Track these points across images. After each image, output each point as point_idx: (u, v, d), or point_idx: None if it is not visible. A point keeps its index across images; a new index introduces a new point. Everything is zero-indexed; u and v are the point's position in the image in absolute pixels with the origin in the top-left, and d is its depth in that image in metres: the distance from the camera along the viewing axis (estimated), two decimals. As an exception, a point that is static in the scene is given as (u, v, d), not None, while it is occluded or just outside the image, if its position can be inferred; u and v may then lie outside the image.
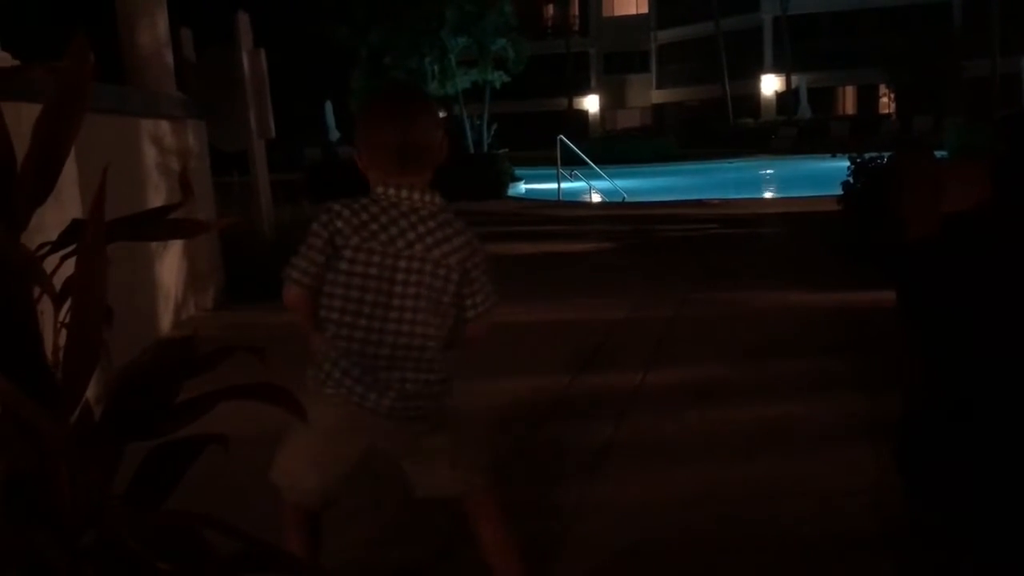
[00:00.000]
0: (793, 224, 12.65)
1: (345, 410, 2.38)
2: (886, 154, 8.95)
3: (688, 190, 21.27)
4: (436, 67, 21.78)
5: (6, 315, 1.40)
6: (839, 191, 9.29)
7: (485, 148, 22.68)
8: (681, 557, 3.08)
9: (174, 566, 1.33)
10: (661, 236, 12.37)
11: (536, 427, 4.35)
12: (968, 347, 2.37)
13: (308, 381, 2.44)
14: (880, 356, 4.98)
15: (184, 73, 7.86)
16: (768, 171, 28.99)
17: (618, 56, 53.81)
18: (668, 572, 3.02)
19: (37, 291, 1.52)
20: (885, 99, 44.18)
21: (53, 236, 1.67)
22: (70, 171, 4.06)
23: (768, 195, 22.47)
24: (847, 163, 9.36)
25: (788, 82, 43.14)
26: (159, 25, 7.27)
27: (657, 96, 53.58)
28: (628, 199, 20.26)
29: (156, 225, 1.98)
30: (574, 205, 19.48)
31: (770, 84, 46.57)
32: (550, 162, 22.06)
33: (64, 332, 1.43)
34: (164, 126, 6.95)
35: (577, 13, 54.63)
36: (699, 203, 17.04)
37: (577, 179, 22.30)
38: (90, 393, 1.47)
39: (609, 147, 33.81)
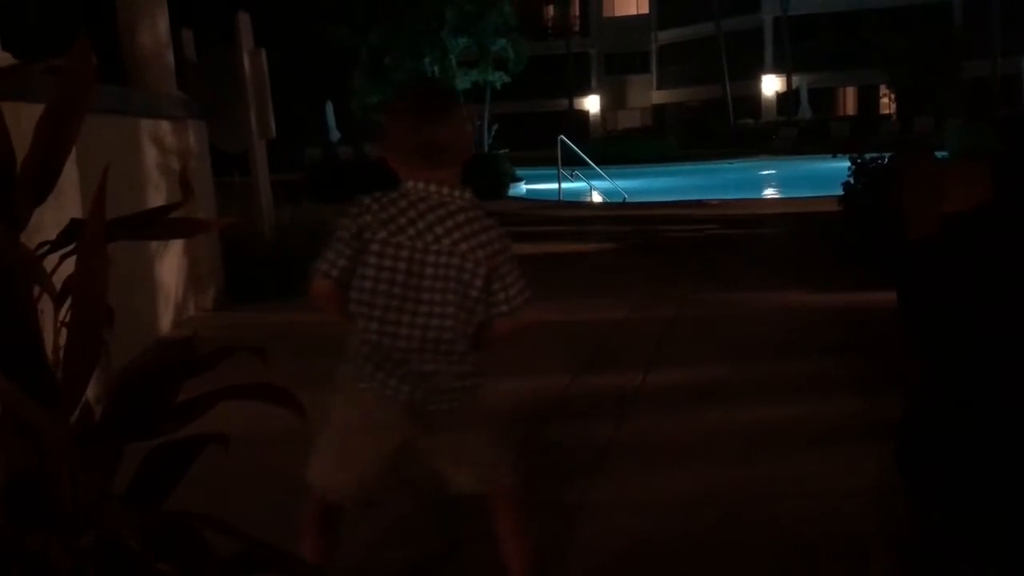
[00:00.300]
0: (793, 224, 12.65)
1: (379, 405, 2.38)
2: (886, 155, 8.95)
3: (688, 190, 21.25)
4: (436, 67, 21.79)
5: (6, 315, 1.40)
6: (839, 192, 9.29)
7: (486, 148, 22.69)
8: (681, 557, 3.08)
9: (174, 566, 1.33)
10: (662, 236, 12.38)
11: (536, 427, 4.34)
12: (968, 347, 2.37)
13: (340, 378, 2.45)
14: (880, 356, 4.98)
15: (185, 73, 7.86)
16: (768, 171, 28.98)
17: (618, 56, 53.81)
18: (668, 572, 3.02)
19: (37, 290, 1.52)
20: (885, 99, 44.16)
21: (53, 236, 1.67)
22: (70, 171, 4.06)
23: (768, 195, 22.45)
24: (847, 163, 9.36)
25: (788, 82, 43.16)
26: (160, 25, 7.27)
27: (658, 96, 53.59)
28: (629, 199, 20.25)
29: (156, 225, 1.98)
30: (575, 205, 19.49)
31: (770, 84, 46.57)
32: (551, 162, 22.06)
33: (64, 332, 1.44)
34: (165, 126, 6.95)
35: (577, 13, 54.62)
36: (699, 203, 17.04)
37: (578, 179, 22.30)
38: (90, 393, 1.47)
39: (609, 147, 33.81)
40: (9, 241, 1.46)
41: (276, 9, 22.40)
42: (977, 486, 2.33)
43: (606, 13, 54.70)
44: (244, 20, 8.05)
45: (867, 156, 9.22)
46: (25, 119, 1.72)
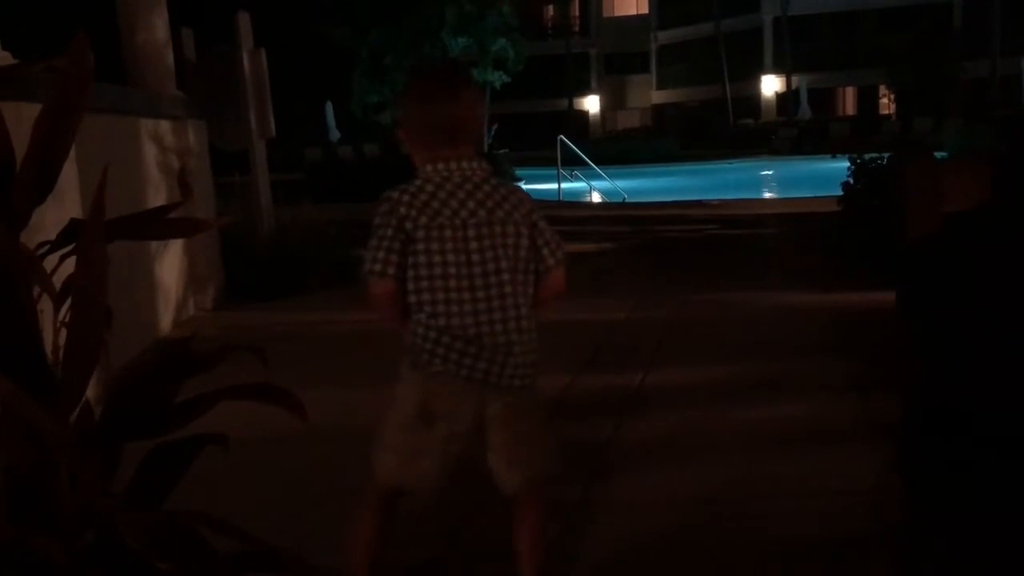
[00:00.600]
0: (793, 225, 12.64)
1: (454, 384, 2.38)
2: (886, 155, 8.95)
3: (688, 191, 21.26)
4: (436, 67, 21.76)
5: (6, 314, 1.40)
6: (839, 192, 9.29)
7: (485, 148, 22.69)
8: (681, 557, 3.08)
9: (173, 566, 1.33)
10: (661, 236, 12.38)
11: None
12: (968, 347, 2.37)
13: (405, 369, 2.45)
14: (880, 356, 4.97)
15: (185, 73, 7.86)
16: (768, 172, 28.98)
17: (618, 57, 53.81)
18: (668, 572, 3.02)
19: (37, 290, 1.52)
20: (885, 100, 44.17)
21: (53, 235, 1.67)
22: (70, 171, 4.06)
23: (768, 196, 22.45)
24: (847, 164, 9.35)
25: (788, 83, 43.16)
26: (160, 25, 7.27)
27: (657, 97, 53.59)
28: (628, 199, 20.26)
29: (155, 224, 1.98)
30: (574, 205, 19.48)
31: (770, 85, 46.57)
32: (550, 162, 22.07)
33: (64, 331, 1.43)
34: (164, 126, 6.95)
35: (577, 14, 54.62)
36: (699, 204, 17.05)
37: (577, 179, 22.31)
38: (90, 393, 1.47)
39: (609, 147, 33.81)
40: (9, 241, 1.45)
41: (276, 9, 22.39)
42: (977, 486, 2.33)
43: (606, 13, 54.71)
44: (244, 20, 8.05)
45: (867, 156, 9.22)
46: (25, 119, 1.72)
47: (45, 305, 1.54)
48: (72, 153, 1.64)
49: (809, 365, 5.33)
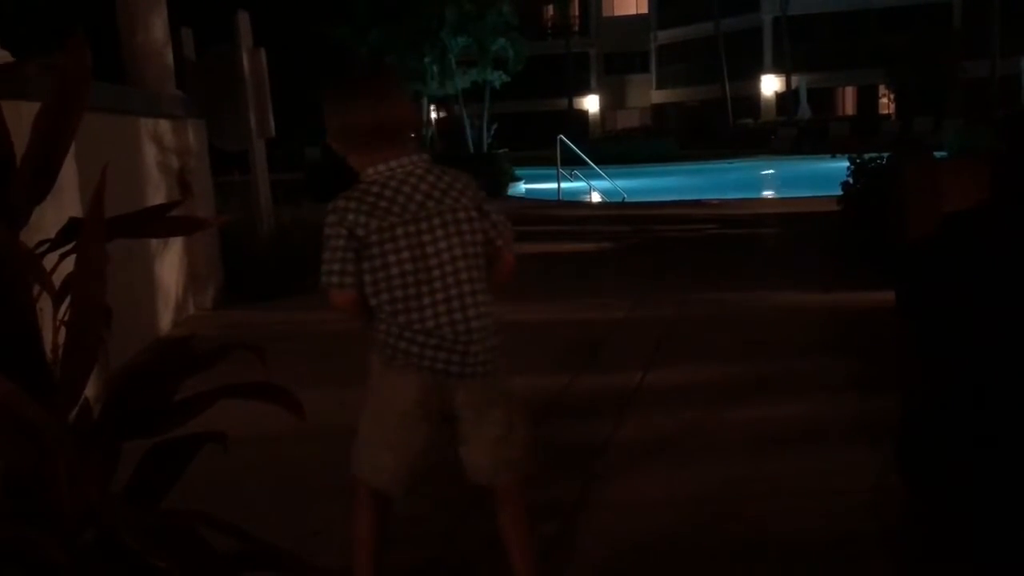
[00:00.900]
0: (793, 224, 12.64)
1: (419, 379, 2.40)
2: (886, 155, 8.96)
3: (688, 190, 21.25)
4: (436, 67, 21.77)
5: (5, 313, 1.40)
6: (839, 191, 9.29)
7: (485, 148, 22.68)
8: (681, 556, 3.08)
9: (172, 564, 1.33)
10: (661, 236, 12.37)
11: (535, 427, 4.33)
12: (967, 347, 2.37)
13: (374, 364, 2.47)
14: (879, 356, 4.97)
15: (184, 72, 7.86)
16: (768, 171, 28.99)
17: (618, 56, 53.79)
18: (668, 571, 3.02)
19: (36, 289, 1.52)
20: (885, 100, 44.16)
21: (52, 234, 1.67)
22: (69, 169, 4.06)
23: (768, 195, 22.46)
24: (847, 163, 9.36)
25: (788, 82, 43.14)
26: (159, 24, 7.27)
27: (657, 96, 53.57)
28: (628, 199, 20.25)
29: (155, 223, 1.98)
30: (574, 205, 19.48)
31: (770, 84, 46.56)
32: (550, 162, 22.06)
33: (63, 330, 1.43)
34: (164, 125, 6.95)
35: (577, 13, 54.59)
36: (698, 203, 17.04)
37: (577, 179, 22.29)
38: (89, 391, 1.47)
39: (609, 147, 33.81)
40: (8, 239, 1.45)
41: (276, 8, 22.39)
42: (977, 486, 2.33)
43: (605, 13, 54.69)
44: (243, 19, 8.05)
45: (866, 156, 9.22)
46: (25, 118, 1.72)
47: (44, 304, 1.54)
48: (71, 152, 1.64)
49: (808, 365, 5.33)
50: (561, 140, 21.15)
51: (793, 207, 14.82)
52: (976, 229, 2.42)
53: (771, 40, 46.22)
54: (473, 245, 2.43)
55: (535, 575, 2.60)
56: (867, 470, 3.57)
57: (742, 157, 33.01)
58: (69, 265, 1.50)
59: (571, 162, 22.13)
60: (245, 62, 7.96)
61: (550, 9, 54.13)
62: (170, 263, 6.81)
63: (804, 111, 40.60)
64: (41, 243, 1.66)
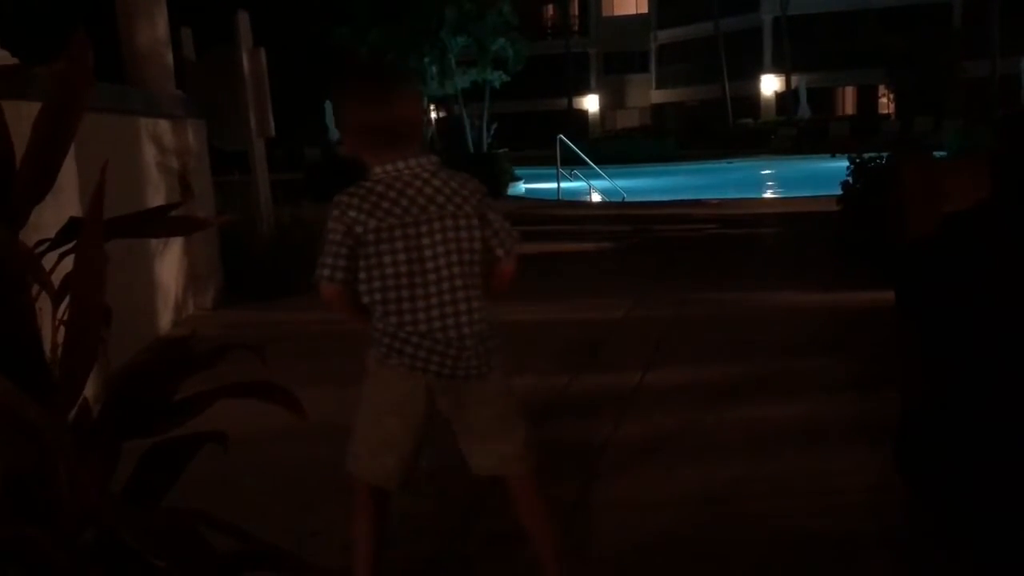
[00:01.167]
0: (792, 224, 12.64)
1: (411, 379, 2.42)
2: (885, 154, 8.96)
3: (687, 190, 21.25)
4: (436, 67, 21.77)
5: (4, 312, 1.40)
6: (838, 191, 9.29)
7: (485, 148, 22.68)
8: (680, 556, 3.08)
9: (172, 563, 1.33)
10: (660, 236, 12.37)
11: (535, 427, 4.33)
12: (967, 347, 2.37)
13: (369, 362, 2.49)
14: (879, 356, 4.98)
15: (184, 72, 7.86)
16: (767, 171, 28.98)
17: (618, 56, 53.81)
18: (668, 571, 3.02)
19: (36, 288, 1.52)
20: (885, 99, 44.16)
21: (52, 234, 1.67)
22: (69, 169, 4.06)
23: (767, 195, 22.44)
24: (846, 163, 9.36)
25: (788, 82, 43.14)
26: (159, 24, 7.27)
27: (657, 96, 53.58)
28: (628, 199, 20.26)
29: (154, 223, 1.98)
30: (574, 205, 19.48)
31: (770, 84, 46.57)
32: (550, 162, 22.06)
33: (62, 330, 1.43)
34: (164, 125, 6.95)
35: (577, 13, 54.61)
36: (698, 203, 17.03)
37: (577, 179, 22.29)
38: (88, 391, 1.47)
39: (609, 147, 33.81)
40: (8, 239, 1.45)
41: (275, 8, 22.39)
42: (977, 486, 2.33)
43: (605, 12, 54.71)
44: (243, 19, 8.05)
45: (866, 156, 9.23)
46: (25, 118, 1.72)
47: (44, 303, 1.54)
48: (72, 152, 1.64)
49: (808, 365, 5.33)
50: (561, 140, 21.16)
51: (793, 207, 14.82)
52: (976, 229, 2.42)
53: (771, 40, 46.24)
54: (471, 252, 2.44)
55: (557, 563, 2.63)
56: (867, 470, 3.57)
57: (742, 157, 33.02)
58: (68, 265, 1.50)
59: (571, 162, 22.13)
60: (245, 62, 7.96)
61: (550, 9, 54.15)
62: (170, 263, 6.81)
63: (804, 111, 40.57)
64: (40, 242, 1.66)
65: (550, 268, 9.00)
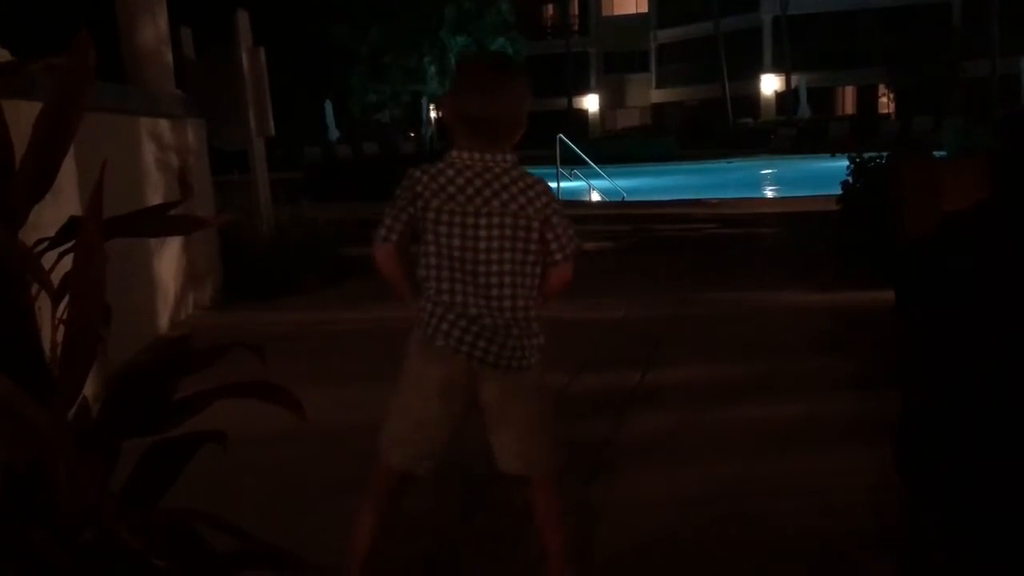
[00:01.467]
0: (792, 224, 12.64)
1: (455, 361, 2.47)
2: (885, 154, 8.95)
3: (687, 190, 21.22)
4: (435, 66, 21.79)
5: (4, 311, 1.40)
6: (838, 191, 9.28)
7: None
8: (681, 556, 3.08)
9: (171, 563, 1.33)
10: (660, 235, 12.37)
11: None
12: (967, 346, 2.36)
13: (413, 343, 2.53)
14: (880, 356, 4.98)
15: (184, 72, 7.85)
16: (767, 171, 28.95)
17: (618, 56, 53.78)
18: (668, 571, 3.01)
19: (35, 287, 1.52)
20: (884, 99, 44.15)
21: (51, 233, 1.67)
22: (69, 169, 4.06)
23: (767, 195, 22.43)
24: (846, 163, 9.35)
25: (788, 82, 43.12)
26: (159, 23, 7.27)
27: (657, 96, 53.56)
28: (628, 198, 20.24)
29: (154, 222, 1.98)
30: (574, 204, 19.45)
31: (770, 84, 46.55)
32: (549, 161, 22.04)
33: (62, 329, 1.43)
34: (163, 124, 6.95)
35: (577, 13, 54.59)
36: (698, 203, 17.02)
37: (576, 178, 22.28)
38: (88, 390, 1.47)
39: (609, 146, 33.80)
40: (7, 238, 1.45)
41: (275, 7, 22.39)
42: (977, 486, 2.33)
43: (605, 12, 54.68)
44: (243, 18, 8.05)
45: (866, 156, 9.22)
46: (25, 117, 1.72)
47: (43, 302, 1.54)
48: (71, 151, 1.64)
49: (808, 364, 5.33)
50: (561, 139, 21.15)
51: (793, 207, 14.82)
52: (976, 229, 2.42)
53: (771, 40, 46.22)
54: (525, 252, 2.47)
55: (562, 562, 2.67)
56: (867, 470, 3.57)
57: (742, 157, 32.99)
58: (68, 264, 1.49)
59: (571, 161, 22.11)
60: (244, 61, 7.96)
61: (550, 8, 54.14)
62: (169, 262, 6.80)
63: (804, 111, 40.53)
64: (40, 242, 1.65)
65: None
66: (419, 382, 2.52)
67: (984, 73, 36.22)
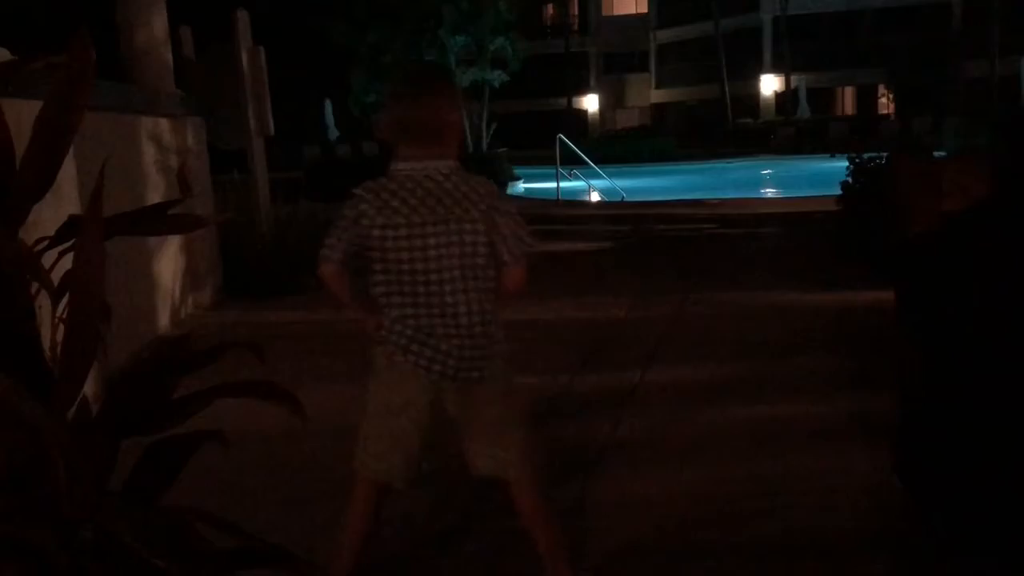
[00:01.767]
0: (792, 224, 12.64)
1: (416, 376, 2.48)
2: (885, 154, 8.95)
3: (687, 190, 21.22)
4: (435, 66, 21.75)
5: (4, 310, 1.40)
6: (838, 191, 9.29)
7: (484, 147, 22.67)
8: (680, 556, 3.08)
9: (170, 561, 1.33)
10: (660, 235, 12.37)
11: (535, 426, 4.34)
12: (966, 345, 2.37)
13: (376, 359, 2.55)
14: (880, 356, 4.98)
15: (183, 71, 7.85)
16: (767, 171, 28.95)
17: (617, 56, 53.77)
18: (667, 570, 3.02)
19: (35, 286, 1.52)
20: (884, 99, 44.15)
21: (51, 232, 1.66)
22: (69, 168, 4.06)
23: (767, 195, 22.43)
24: (846, 163, 9.36)
25: (787, 82, 43.10)
26: (158, 23, 7.27)
27: (656, 96, 53.55)
28: (627, 199, 20.23)
29: (153, 221, 1.98)
30: (573, 204, 19.45)
31: (769, 84, 46.54)
32: (549, 161, 22.02)
33: (62, 327, 1.43)
34: (163, 124, 6.95)
35: (577, 12, 54.58)
36: (698, 203, 17.02)
37: (576, 178, 22.27)
38: (88, 389, 1.46)
39: (608, 146, 33.79)
40: (7, 237, 1.45)
41: (275, 7, 22.39)
42: (976, 486, 2.33)
43: (605, 12, 54.67)
44: (242, 18, 8.05)
45: (865, 156, 9.22)
46: (25, 116, 1.72)
47: (43, 301, 1.54)
48: (71, 150, 1.64)
49: (808, 364, 5.34)
50: (560, 139, 21.14)
51: (793, 207, 14.82)
52: (975, 228, 2.42)
53: (770, 40, 46.21)
54: (474, 256, 2.46)
55: (557, 561, 2.67)
56: (865, 469, 3.57)
57: (741, 157, 32.98)
58: (68, 263, 1.49)
59: (570, 161, 22.10)
60: (244, 60, 7.96)
61: (550, 8, 54.13)
62: (169, 261, 6.81)
63: (803, 111, 40.52)
64: (40, 240, 1.65)
65: (550, 268, 8.98)
66: (387, 400, 2.53)
67: (983, 73, 36.23)
